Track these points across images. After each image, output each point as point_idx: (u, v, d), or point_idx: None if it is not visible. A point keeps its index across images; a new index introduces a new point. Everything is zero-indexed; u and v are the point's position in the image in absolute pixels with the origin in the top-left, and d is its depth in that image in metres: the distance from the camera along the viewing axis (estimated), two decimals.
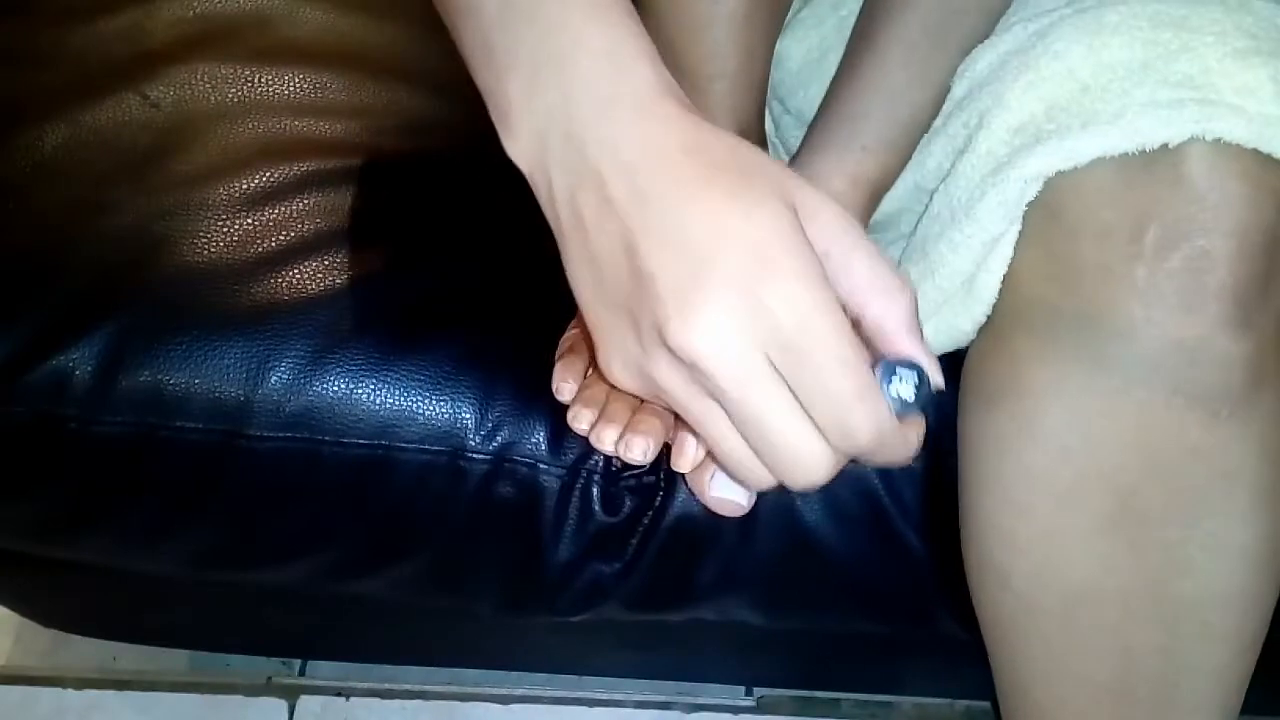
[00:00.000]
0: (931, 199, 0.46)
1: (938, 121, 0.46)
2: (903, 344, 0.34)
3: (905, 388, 0.33)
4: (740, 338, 0.31)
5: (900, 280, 0.34)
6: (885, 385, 0.33)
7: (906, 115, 0.46)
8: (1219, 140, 0.37)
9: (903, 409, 0.34)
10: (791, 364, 0.31)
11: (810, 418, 0.32)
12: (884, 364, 0.34)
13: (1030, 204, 0.41)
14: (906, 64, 0.46)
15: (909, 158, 0.47)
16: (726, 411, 0.33)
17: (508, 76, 0.34)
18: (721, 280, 0.31)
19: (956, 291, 0.45)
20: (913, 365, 0.34)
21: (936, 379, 0.35)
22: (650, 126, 0.32)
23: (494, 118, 0.35)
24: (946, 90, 0.46)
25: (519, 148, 0.35)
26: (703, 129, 0.32)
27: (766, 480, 0.34)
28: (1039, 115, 0.41)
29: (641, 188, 0.32)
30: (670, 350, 0.32)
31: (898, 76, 0.46)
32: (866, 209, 0.46)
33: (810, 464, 0.33)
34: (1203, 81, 0.38)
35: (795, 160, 0.47)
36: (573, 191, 0.33)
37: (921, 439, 0.35)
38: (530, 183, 0.35)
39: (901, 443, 0.34)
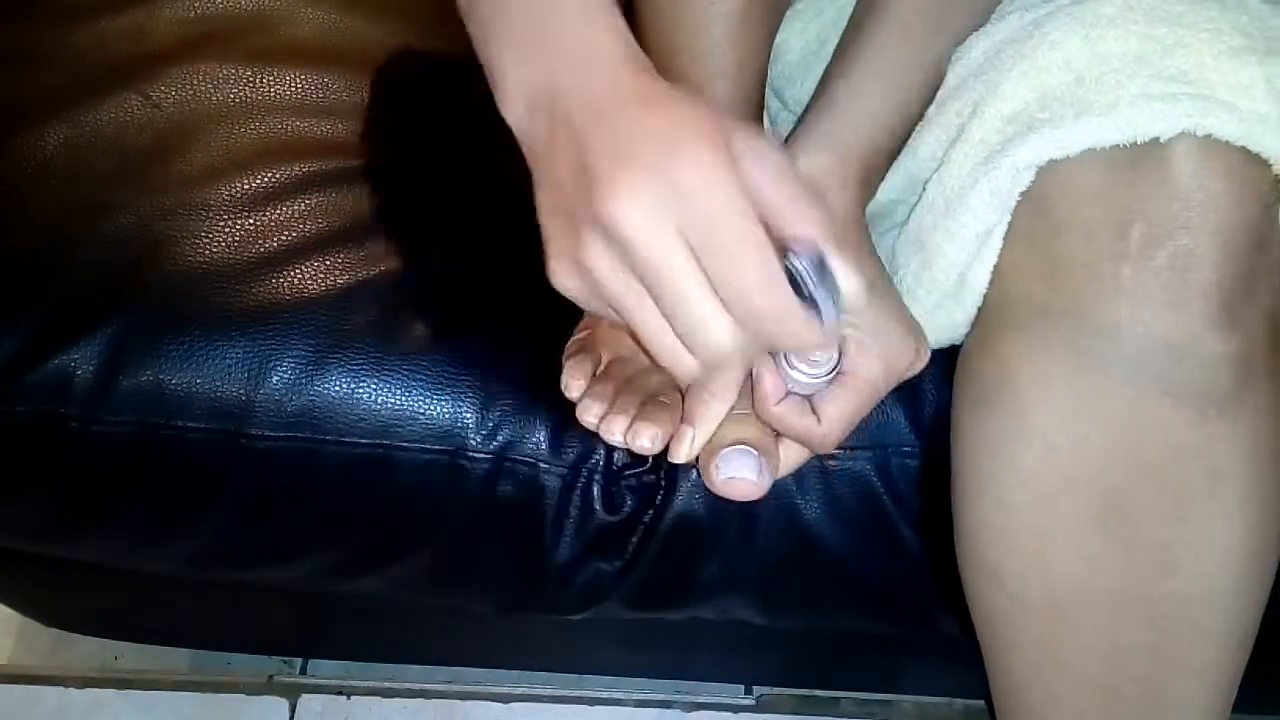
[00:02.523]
0: (925, 188, 0.46)
1: (931, 110, 0.46)
2: (822, 247, 0.37)
3: (806, 271, 0.36)
4: (655, 210, 0.35)
5: (816, 199, 0.37)
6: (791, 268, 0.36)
7: (902, 96, 0.46)
8: (1209, 136, 0.37)
9: (811, 291, 0.37)
10: (701, 241, 0.35)
11: (718, 294, 0.36)
12: (789, 256, 0.36)
13: (1019, 200, 0.41)
14: (901, 45, 0.46)
15: (904, 141, 0.47)
16: (648, 290, 0.37)
17: (503, 49, 0.40)
18: (642, 165, 0.35)
19: (952, 285, 0.45)
20: (816, 260, 0.36)
21: (847, 284, 0.37)
22: (611, 79, 0.37)
23: (491, 86, 0.40)
24: (941, 75, 0.46)
25: (511, 110, 0.40)
26: (653, 82, 0.37)
27: (687, 364, 0.38)
28: (1032, 104, 0.41)
29: (597, 118, 0.37)
30: (600, 228, 0.36)
31: (892, 57, 0.46)
32: (862, 188, 0.46)
33: (714, 338, 0.36)
34: (1196, 77, 0.38)
35: (789, 141, 0.46)
36: (550, 130, 0.38)
37: (836, 336, 0.39)
38: (518, 138, 0.40)
39: (805, 328, 0.36)
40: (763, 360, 0.43)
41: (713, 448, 0.46)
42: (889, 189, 0.48)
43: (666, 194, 0.35)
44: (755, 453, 0.45)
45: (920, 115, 0.46)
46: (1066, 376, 0.40)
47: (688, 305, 0.36)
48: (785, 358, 0.42)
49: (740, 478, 0.44)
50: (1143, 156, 0.38)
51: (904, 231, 0.47)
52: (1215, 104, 0.37)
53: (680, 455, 0.45)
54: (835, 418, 0.44)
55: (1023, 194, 0.41)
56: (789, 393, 0.43)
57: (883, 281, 0.46)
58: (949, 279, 0.45)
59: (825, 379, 0.43)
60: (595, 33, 0.38)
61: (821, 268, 0.36)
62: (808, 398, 0.44)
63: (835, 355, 0.42)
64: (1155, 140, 0.38)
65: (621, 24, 0.39)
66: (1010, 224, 0.42)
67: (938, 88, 0.46)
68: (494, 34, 0.40)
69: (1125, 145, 0.38)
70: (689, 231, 0.35)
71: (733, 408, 0.46)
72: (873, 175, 0.46)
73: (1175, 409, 0.39)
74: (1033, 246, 0.41)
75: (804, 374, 0.43)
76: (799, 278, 0.36)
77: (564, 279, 0.38)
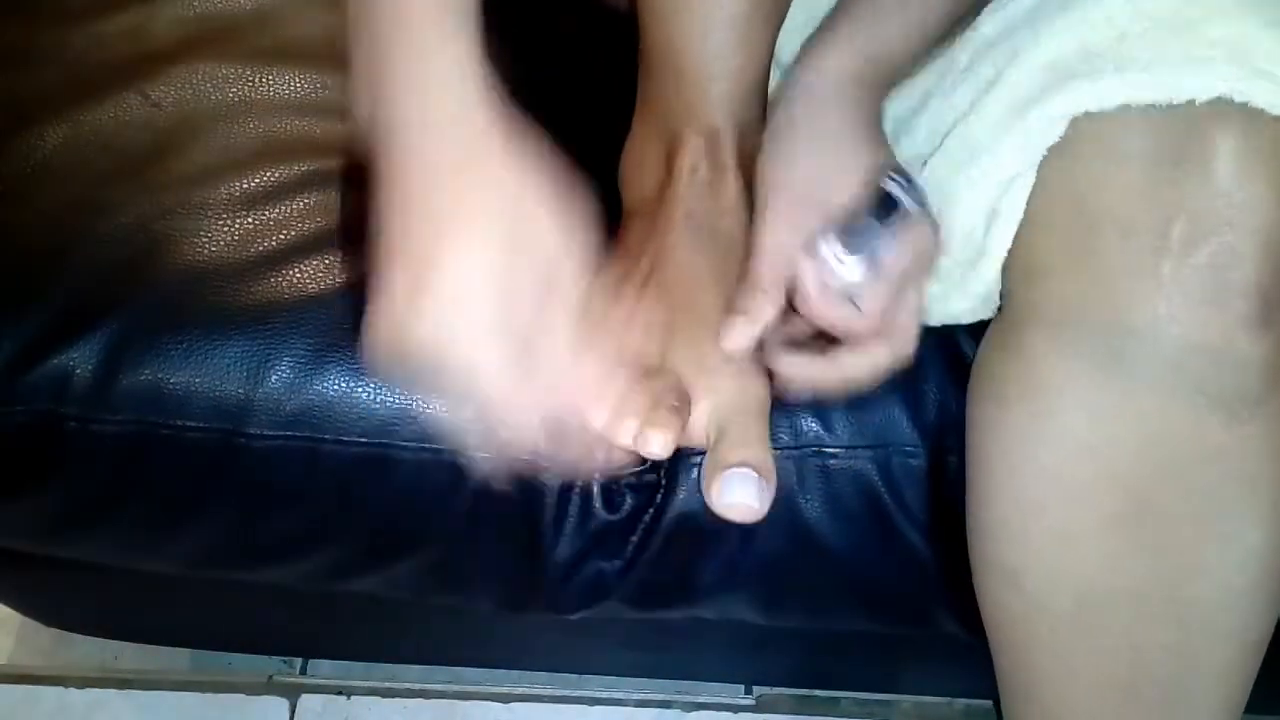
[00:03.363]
0: (945, 138, 0.46)
1: (964, 61, 0.46)
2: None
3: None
4: None
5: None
6: None
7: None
8: (1246, 106, 0.37)
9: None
10: None
11: None
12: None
13: (1051, 189, 0.41)
14: None
15: (913, 40, 0.47)
16: None
17: (357, 57, 0.40)
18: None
19: (967, 250, 0.44)
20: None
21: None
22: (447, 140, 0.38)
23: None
24: None
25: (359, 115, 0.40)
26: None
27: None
28: (1072, 55, 0.41)
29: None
30: None
31: None
32: (864, 73, 0.46)
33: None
34: (1236, 45, 0.38)
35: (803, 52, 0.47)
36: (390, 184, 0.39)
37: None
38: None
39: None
40: (803, 258, 0.43)
41: (717, 466, 0.46)
42: (914, 144, 0.48)
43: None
44: (757, 476, 0.45)
45: (937, 29, 0.47)
46: (1097, 376, 0.40)
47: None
48: (828, 245, 0.43)
49: (741, 504, 0.45)
50: (1182, 149, 0.38)
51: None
52: (1254, 71, 0.37)
53: (729, 342, 0.45)
54: (873, 305, 0.43)
55: (1050, 166, 0.41)
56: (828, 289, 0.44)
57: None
58: (960, 233, 0.44)
59: (861, 277, 0.43)
60: (441, 65, 0.38)
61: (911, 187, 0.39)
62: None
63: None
64: (1192, 105, 0.38)
65: (473, 57, 0.38)
66: (1038, 214, 0.42)
67: (954, 6, 0.46)
68: (356, 39, 0.40)
69: (1162, 123, 0.38)
70: None
71: (737, 427, 0.46)
72: (880, 63, 0.46)
73: (1209, 411, 0.39)
74: (1065, 244, 0.41)
75: (840, 263, 0.42)
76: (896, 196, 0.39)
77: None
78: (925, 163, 0.47)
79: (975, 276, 0.45)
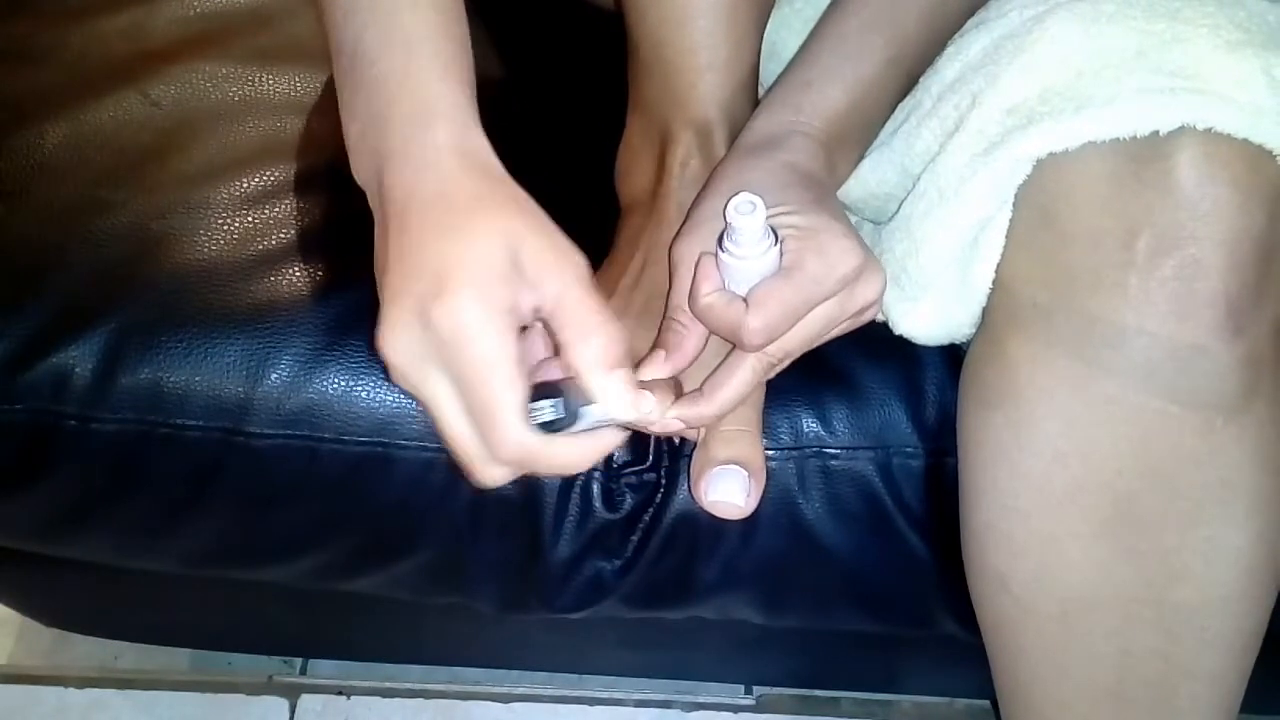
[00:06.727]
0: (918, 179, 0.46)
1: (928, 104, 0.46)
2: (586, 380, 0.38)
3: (544, 413, 0.37)
4: (408, 345, 0.37)
5: (600, 322, 0.38)
6: (534, 407, 0.37)
7: (854, 50, 0.47)
8: (1210, 130, 0.37)
9: (550, 429, 0.38)
10: (453, 376, 0.37)
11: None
12: (531, 389, 0.37)
13: (1021, 204, 0.41)
14: (859, 13, 0.48)
15: (866, 103, 0.47)
16: None
17: (349, 121, 0.42)
18: (405, 298, 0.37)
19: (949, 279, 0.45)
20: (556, 395, 0.38)
21: (614, 412, 0.38)
22: (423, 176, 0.38)
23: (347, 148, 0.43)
24: (907, 41, 0.47)
25: (359, 180, 0.42)
26: (464, 179, 0.38)
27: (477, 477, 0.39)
28: (1032, 97, 0.41)
29: (399, 226, 0.38)
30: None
31: (843, 26, 0.48)
32: (824, 147, 0.46)
33: (474, 467, 0.39)
34: (1195, 72, 0.38)
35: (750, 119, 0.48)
36: (378, 215, 0.40)
37: (601, 453, 0.39)
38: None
39: (551, 459, 0.38)
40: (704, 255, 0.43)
41: (705, 462, 0.47)
42: (882, 184, 0.48)
43: (418, 329, 0.36)
44: (744, 474, 0.46)
45: (883, 80, 0.47)
46: (1073, 383, 0.40)
47: (447, 437, 0.38)
48: (720, 244, 0.41)
49: (727, 501, 0.46)
50: (1147, 164, 0.38)
51: (891, 221, 0.47)
52: (1215, 98, 0.37)
53: (701, 420, 0.44)
54: (764, 305, 0.41)
55: (1022, 187, 0.41)
56: (724, 286, 0.42)
57: (829, 193, 0.46)
58: (938, 266, 0.44)
59: (760, 262, 0.41)
60: (427, 106, 0.39)
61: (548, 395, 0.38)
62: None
63: (773, 240, 0.41)
64: (1155, 134, 0.38)
65: (460, 94, 0.40)
66: (1013, 228, 0.42)
67: (906, 54, 0.47)
68: (343, 91, 0.42)
69: (1128, 143, 0.38)
70: (442, 363, 0.37)
71: (727, 425, 0.47)
72: (836, 136, 0.47)
73: (1183, 416, 0.39)
74: (1039, 254, 0.41)
75: (734, 257, 0.41)
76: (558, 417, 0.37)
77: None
78: (900, 202, 0.47)
79: (961, 308, 0.45)
